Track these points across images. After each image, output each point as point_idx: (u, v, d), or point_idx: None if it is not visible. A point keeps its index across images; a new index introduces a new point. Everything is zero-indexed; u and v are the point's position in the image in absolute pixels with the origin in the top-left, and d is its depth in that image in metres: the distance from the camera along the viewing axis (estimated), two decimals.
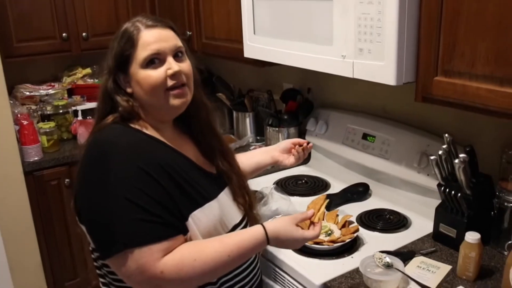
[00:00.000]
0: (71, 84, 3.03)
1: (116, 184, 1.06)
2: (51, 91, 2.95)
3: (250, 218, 1.32)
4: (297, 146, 1.62)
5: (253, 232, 1.17)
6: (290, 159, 1.61)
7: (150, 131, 1.20)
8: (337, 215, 1.71)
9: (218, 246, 1.12)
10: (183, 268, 1.07)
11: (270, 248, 1.58)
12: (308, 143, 1.61)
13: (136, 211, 1.05)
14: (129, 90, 1.19)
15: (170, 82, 1.17)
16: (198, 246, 1.12)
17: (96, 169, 1.09)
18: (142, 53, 1.15)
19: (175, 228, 1.11)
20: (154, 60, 1.16)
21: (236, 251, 1.12)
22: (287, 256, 1.56)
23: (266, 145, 2.41)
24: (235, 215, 1.28)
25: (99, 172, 1.08)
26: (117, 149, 1.10)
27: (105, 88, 1.19)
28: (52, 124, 2.75)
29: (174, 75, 1.17)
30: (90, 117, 2.93)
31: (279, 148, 1.62)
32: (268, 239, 1.17)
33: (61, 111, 2.87)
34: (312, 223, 1.30)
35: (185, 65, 1.20)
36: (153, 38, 1.16)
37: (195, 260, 1.08)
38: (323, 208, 1.40)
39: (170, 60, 1.17)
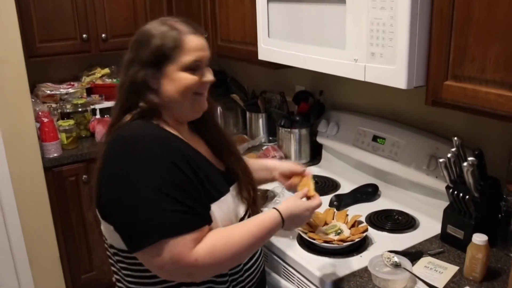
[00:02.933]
0: (90, 83, 3.05)
1: (147, 176, 1.07)
2: (71, 90, 2.97)
3: (252, 211, 1.35)
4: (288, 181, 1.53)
5: (270, 215, 1.23)
6: (287, 184, 1.56)
7: (169, 129, 1.22)
8: (347, 215, 1.71)
9: (242, 230, 1.17)
10: (215, 254, 1.10)
11: (280, 245, 1.60)
12: (303, 171, 1.52)
13: (170, 202, 1.07)
14: (154, 85, 1.20)
15: (200, 89, 1.22)
16: (225, 232, 1.16)
17: (124, 164, 1.09)
18: (186, 57, 1.18)
19: (203, 218, 1.13)
20: (195, 67, 1.20)
21: (259, 233, 1.18)
22: (297, 254, 1.56)
23: (278, 146, 2.41)
24: (241, 208, 1.31)
25: (127, 167, 1.08)
26: (144, 143, 1.11)
27: (133, 80, 1.19)
28: (71, 122, 2.78)
29: (206, 84, 1.23)
30: (108, 116, 2.96)
31: (280, 170, 1.53)
32: (283, 218, 1.24)
33: (80, 109, 2.90)
34: (308, 197, 1.36)
35: (212, 76, 1.25)
36: (197, 45, 1.20)
37: (225, 245, 1.12)
38: (312, 185, 1.41)
39: (205, 69, 1.23)
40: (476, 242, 1.36)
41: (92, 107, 2.96)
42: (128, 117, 1.18)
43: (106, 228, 1.19)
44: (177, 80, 1.18)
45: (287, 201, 1.29)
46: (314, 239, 1.56)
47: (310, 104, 2.38)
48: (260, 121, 2.67)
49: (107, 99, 3.05)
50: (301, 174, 1.49)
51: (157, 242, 1.06)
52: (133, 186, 1.07)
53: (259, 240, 1.19)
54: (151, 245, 1.06)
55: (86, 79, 3.06)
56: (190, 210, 1.10)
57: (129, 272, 1.19)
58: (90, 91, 3.06)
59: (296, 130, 2.34)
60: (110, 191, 1.11)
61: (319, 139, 2.32)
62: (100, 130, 2.81)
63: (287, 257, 1.57)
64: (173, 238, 1.06)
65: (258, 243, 1.20)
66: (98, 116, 2.97)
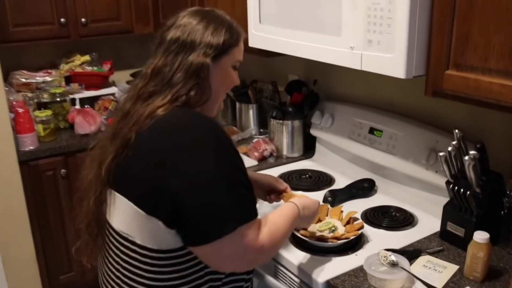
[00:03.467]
0: (69, 71, 3.03)
1: (223, 163, 1.10)
2: (48, 79, 2.95)
3: None
4: (272, 195, 1.60)
5: (289, 205, 1.35)
6: (262, 197, 1.63)
7: None
8: (342, 211, 1.71)
9: (280, 218, 1.27)
10: (273, 240, 1.18)
11: None
12: (286, 188, 1.59)
13: (242, 188, 1.12)
14: (207, 75, 1.23)
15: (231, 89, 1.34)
16: (270, 220, 1.22)
17: (198, 152, 1.10)
18: (238, 55, 1.29)
19: (255, 205, 1.20)
20: (237, 68, 1.31)
21: (290, 219, 1.29)
22: (289, 252, 1.57)
23: (270, 138, 2.42)
24: None
25: (202, 155, 1.09)
26: (212, 130, 1.14)
27: (200, 65, 1.20)
28: (48, 112, 2.76)
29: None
30: (88, 106, 2.95)
31: (259, 183, 1.59)
32: (299, 209, 1.34)
33: (58, 99, 2.88)
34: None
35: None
36: (243, 48, 1.32)
37: (277, 231, 1.20)
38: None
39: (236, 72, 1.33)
40: (477, 240, 1.37)
41: (71, 96, 2.94)
42: (176, 104, 1.18)
43: (143, 226, 1.15)
44: (228, 75, 1.27)
45: (297, 198, 1.42)
46: (307, 237, 1.56)
47: (303, 94, 2.38)
48: (251, 112, 2.67)
49: (87, 88, 3.04)
50: (283, 191, 1.56)
51: (234, 230, 1.08)
52: (211, 174, 1.08)
53: (291, 228, 1.29)
54: (229, 233, 1.08)
55: (64, 67, 3.04)
56: (253, 196, 1.17)
57: (157, 276, 1.18)
58: (69, 79, 3.04)
59: (289, 122, 2.35)
60: (185, 181, 1.09)
61: (313, 132, 2.32)
62: (80, 122, 2.79)
63: (279, 256, 1.58)
64: (247, 225, 1.11)
65: (290, 231, 1.30)
66: (77, 106, 2.95)
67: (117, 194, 1.19)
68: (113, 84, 3.29)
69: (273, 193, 1.59)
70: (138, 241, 1.17)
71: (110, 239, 1.25)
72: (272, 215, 1.26)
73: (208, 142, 1.11)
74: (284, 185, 1.59)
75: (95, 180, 1.24)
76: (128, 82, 3.28)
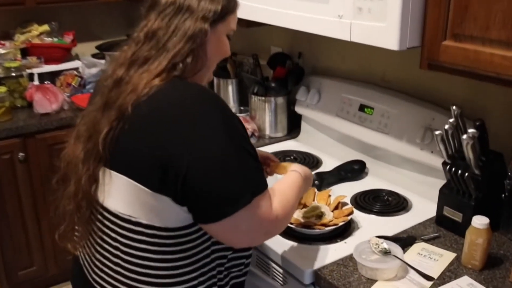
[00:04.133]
0: (25, 43, 2.98)
1: (229, 135, 1.14)
2: (1, 51, 2.89)
3: None
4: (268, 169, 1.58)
5: (295, 174, 1.40)
6: None
7: None
8: (329, 196, 1.72)
9: (286, 185, 1.33)
10: (286, 210, 1.24)
11: None
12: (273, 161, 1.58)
13: (252, 159, 1.17)
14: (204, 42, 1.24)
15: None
16: (275, 188, 1.28)
17: (208, 124, 1.12)
18: (233, 23, 1.30)
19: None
20: (230, 36, 1.32)
21: (297, 187, 1.35)
22: (271, 240, 1.52)
23: (251, 116, 2.41)
24: None
25: (206, 127, 1.12)
26: (216, 102, 1.17)
27: (198, 30, 1.21)
28: (3, 89, 2.71)
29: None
30: (48, 82, 2.90)
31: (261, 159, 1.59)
32: (303, 177, 1.40)
33: (13, 74, 2.82)
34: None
35: None
36: (237, 17, 1.33)
37: (288, 201, 1.27)
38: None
39: None
40: (476, 226, 1.39)
41: (28, 71, 2.90)
42: (174, 73, 1.19)
43: (149, 205, 1.16)
44: (222, 43, 1.29)
45: (296, 166, 1.46)
46: (291, 224, 1.56)
47: (287, 68, 2.37)
48: (230, 88, 2.65)
49: (47, 62, 3.00)
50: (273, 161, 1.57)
51: (250, 203, 1.12)
52: (221, 146, 1.12)
53: (299, 196, 1.36)
54: (244, 206, 1.12)
55: (20, 38, 2.98)
56: (261, 166, 1.23)
57: (165, 256, 1.20)
58: (25, 52, 2.99)
59: (272, 99, 2.34)
60: (193, 155, 1.10)
61: (298, 109, 2.32)
62: (39, 99, 2.75)
63: (261, 245, 1.58)
64: (260, 196, 1.15)
65: (298, 200, 1.35)
66: (36, 82, 2.91)
67: (114, 173, 1.18)
68: (76, 57, 3.24)
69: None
70: (144, 221, 1.17)
71: (105, 223, 1.24)
72: (278, 185, 1.31)
73: (213, 113, 1.14)
74: (277, 161, 1.60)
75: (85, 157, 1.22)
76: (94, 55, 3.24)
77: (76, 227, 1.30)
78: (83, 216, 1.26)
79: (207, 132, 1.12)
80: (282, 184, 1.33)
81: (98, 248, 1.26)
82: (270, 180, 1.31)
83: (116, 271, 1.23)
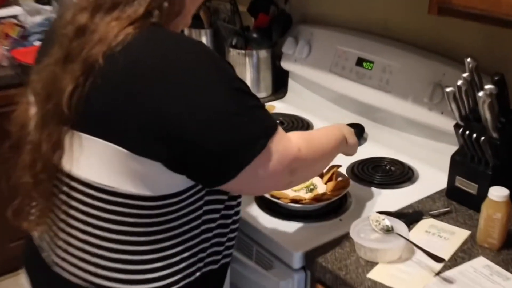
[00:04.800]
0: None
1: (224, 80, 1.15)
2: None
3: None
4: None
5: (333, 126, 1.53)
6: None
7: None
8: None
9: (317, 131, 1.51)
10: (310, 143, 1.33)
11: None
12: None
13: (252, 98, 1.20)
14: None
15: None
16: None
17: (193, 72, 1.13)
18: None
19: None
20: None
21: (330, 134, 1.47)
22: (255, 219, 1.56)
23: None
24: None
25: (197, 74, 1.13)
26: (202, 48, 1.18)
27: None
28: None
29: None
30: None
31: None
32: (344, 132, 1.51)
33: None
34: None
35: None
36: None
37: (314, 138, 1.38)
38: None
39: None
40: (494, 198, 1.39)
41: None
42: (150, 20, 1.18)
43: (131, 172, 1.14)
44: None
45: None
46: (278, 198, 1.57)
47: (271, 15, 2.36)
48: (204, 39, 2.65)
49: None
50: None
51: (266, 144, 1.17)
52: (218, 92, 1.13)
53: (333, 145, 1.44)
54: (262, 149, 1.16)
55: None
56: (263, 104, 1.25)
57: (150, 229, 1.20)
58: None
59: (253, 52, 2.34)
60: (188, 108, 1.10)
61: (284, 64, 2.31)
62: None
63: (243, 223, 1.54)
64: (275, 133, 1.20)
65: (332, 148, 1.44)
66: None
67: (86, 136, 1.16)
68: (15, 2, 3.17)
69: None
70: (125, 190, 1.16)
71: (73, 195, 1.21)
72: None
73: (203, 58, 1.15)
74: None
75: (44, 120, 1.20)
76: (37, 1, 3.17)
77: (34, 203, 1.28)
78: (44, 190, 1.24)
79: (199, 82, 1.12)
80: (311, 132, 1.45)
81: (62, 226, 1.24)
82: None
83: (84, 249, 1.22)
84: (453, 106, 1.54)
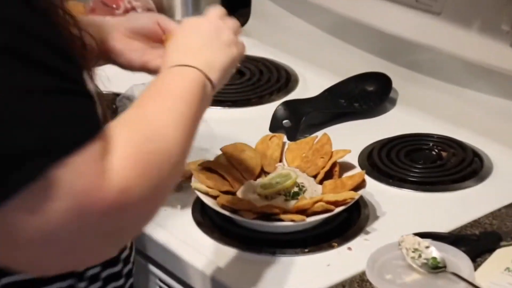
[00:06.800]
0: None
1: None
2: None
3: None
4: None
5: (183, 72, 1.41)
6: (133, 56, 1.69)
7: None
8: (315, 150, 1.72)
9: (155, 98, 1.34)
10: (146, 158, 1.21)
11: (155, 234, 1.61)
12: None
13: (62, 75, 1.14)
14: None
15: None
16: (134, 121, 1.28)
17: None
18: None
19: (91, 99, 1.25)
20: None
21: (179, 99, 1.34)
22: (194, 249, 1.56)
23: None
24: None
25: None
26: None
27: None
28: None
29: None
30: None
31: (124, 27, 1.71)
32: (207, 75, 1.40)
33: None
34: None
35: None
36: None
37: (152, 142, 1.24)
38: None
39: None
40: None
41: None
42: None
43: None
44: None
45: (180, 44, 1.47)
46: (234, 211, 1.54)
47: None
48: None
49: None
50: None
51: (37, 176, 1.03)
52: None
53: (192, 117, 1.34)
54: (35, 180, 1.03)
55: None
56: (82, 93, 1.15)
57: None
58: None
59: None
60: None
61: None
62: None
63: (171, 258, 1.59)
64: (74, 155, 1.06)
65: (192, 125, 1.34)
66: None
67: None
68: None
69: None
70: None
71: None
72: (138, 109, 1.34)
73: None
74: (172, 24, 1.67)
75: None
76: None
77: None
78: None
79: None
80: (149, 103, 1.36)
81: None
82: None
83: None
84: None
